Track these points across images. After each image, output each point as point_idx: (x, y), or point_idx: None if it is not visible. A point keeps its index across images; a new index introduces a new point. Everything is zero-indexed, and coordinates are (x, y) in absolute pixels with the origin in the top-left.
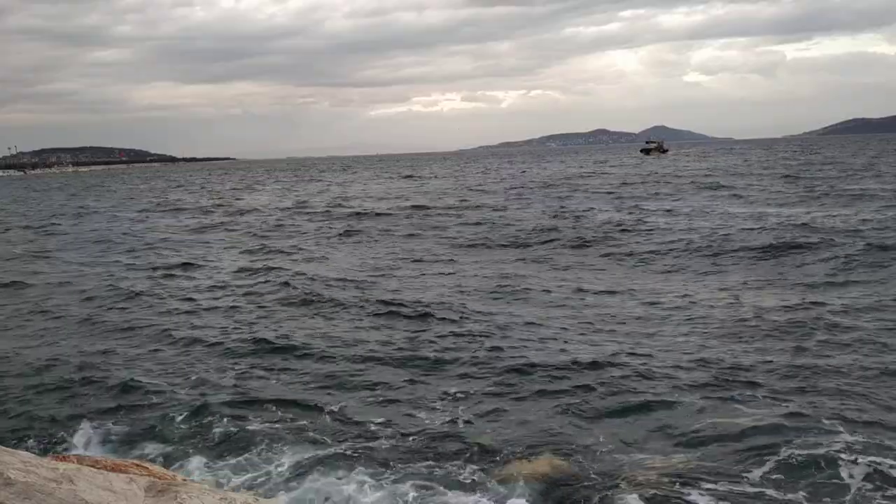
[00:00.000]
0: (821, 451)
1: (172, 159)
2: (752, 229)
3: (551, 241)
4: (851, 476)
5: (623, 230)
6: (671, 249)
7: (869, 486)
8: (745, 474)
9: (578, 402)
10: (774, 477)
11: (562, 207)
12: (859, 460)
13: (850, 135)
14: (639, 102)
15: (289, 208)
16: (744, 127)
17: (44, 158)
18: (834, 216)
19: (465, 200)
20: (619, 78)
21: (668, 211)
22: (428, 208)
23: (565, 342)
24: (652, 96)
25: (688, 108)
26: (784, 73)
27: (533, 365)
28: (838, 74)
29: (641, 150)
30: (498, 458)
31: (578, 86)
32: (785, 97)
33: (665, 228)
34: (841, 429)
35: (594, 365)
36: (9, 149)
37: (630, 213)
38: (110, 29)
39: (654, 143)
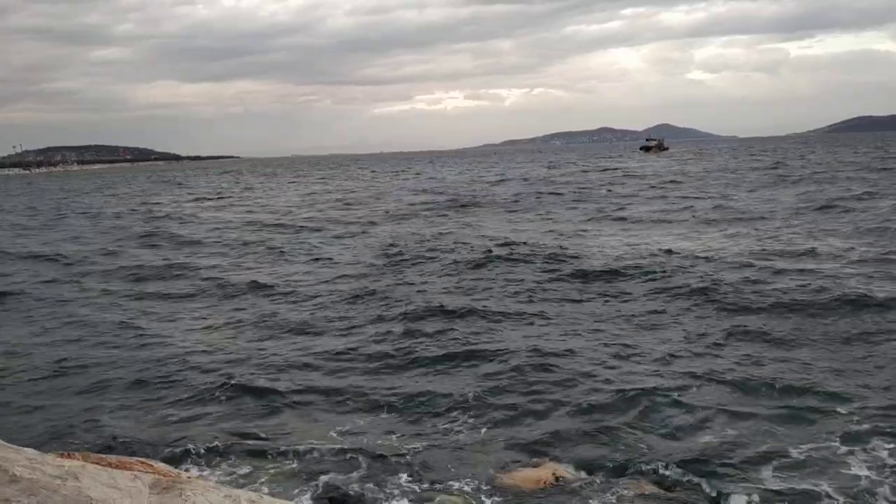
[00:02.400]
0: (827, 447)
1: (177, 157)
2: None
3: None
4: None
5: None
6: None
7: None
8: (753, 480)
9: (581, 409)
10: (784, 480)
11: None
12: (867, 452)
13: (855, 133)
14: (642, 100)
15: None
16: (748, 125)
17: (49, 157)
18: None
19: None
20: (622, 76)
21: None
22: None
23: (561, 351)
24: (655, 94)
25: (692, 106)
26: (787, 70)
27: (533, 370)
28: (842, 72)
29: (641, 148)
30: (500, 465)
31: (581, 84)
32: (789, 95)
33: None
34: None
35: (594, 372)
36: (13, 147)
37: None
38: (111, 28)
39: (655, 142)
